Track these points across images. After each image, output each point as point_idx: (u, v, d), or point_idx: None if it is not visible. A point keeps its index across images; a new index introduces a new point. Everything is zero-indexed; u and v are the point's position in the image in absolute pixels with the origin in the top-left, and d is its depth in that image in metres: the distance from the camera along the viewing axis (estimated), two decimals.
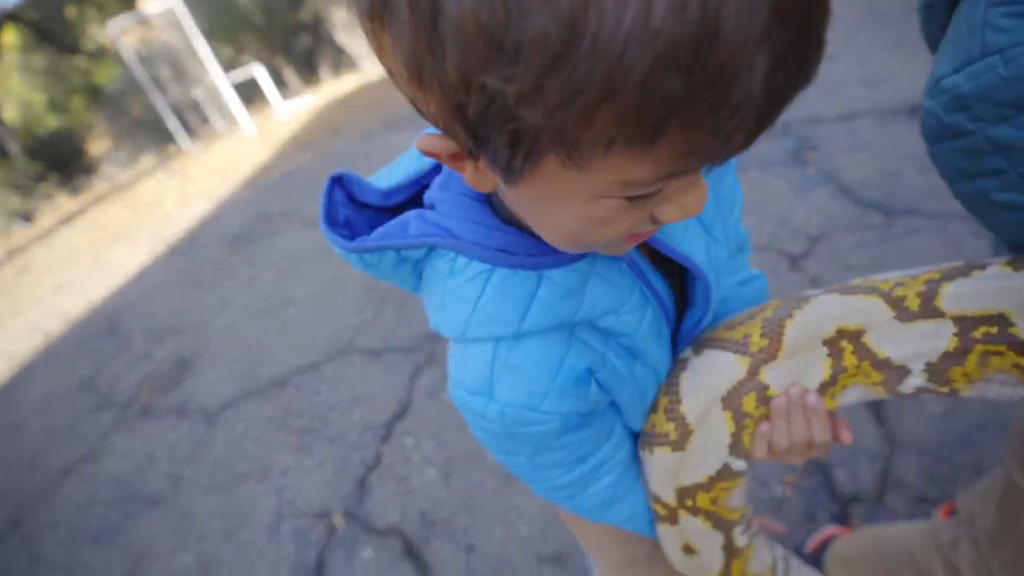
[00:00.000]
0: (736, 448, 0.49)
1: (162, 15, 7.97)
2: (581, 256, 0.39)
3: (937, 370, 0.42)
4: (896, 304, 0.42)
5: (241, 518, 1.71)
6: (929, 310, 0.41)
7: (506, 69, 0.21)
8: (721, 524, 0.54)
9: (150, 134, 9.96)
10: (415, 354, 2.13)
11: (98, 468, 2.22)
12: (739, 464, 0.50)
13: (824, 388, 0.46)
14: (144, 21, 8.64)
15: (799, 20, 0.21)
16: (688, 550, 0.56)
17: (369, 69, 12.84)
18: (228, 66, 9.28)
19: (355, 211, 0.42)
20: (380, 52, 0.27)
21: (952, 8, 0.43)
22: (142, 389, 2.65)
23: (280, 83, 10.73)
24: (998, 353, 0.39)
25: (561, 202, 0.29)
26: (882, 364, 0.43)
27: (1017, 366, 0.39)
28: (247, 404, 2.24)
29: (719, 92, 0.21)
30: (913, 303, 0.42)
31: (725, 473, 0.50)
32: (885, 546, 0.85)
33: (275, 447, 1.95)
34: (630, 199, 0.28)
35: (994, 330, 0.39)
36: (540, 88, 0.21)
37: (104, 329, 3.57)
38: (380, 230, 0.40)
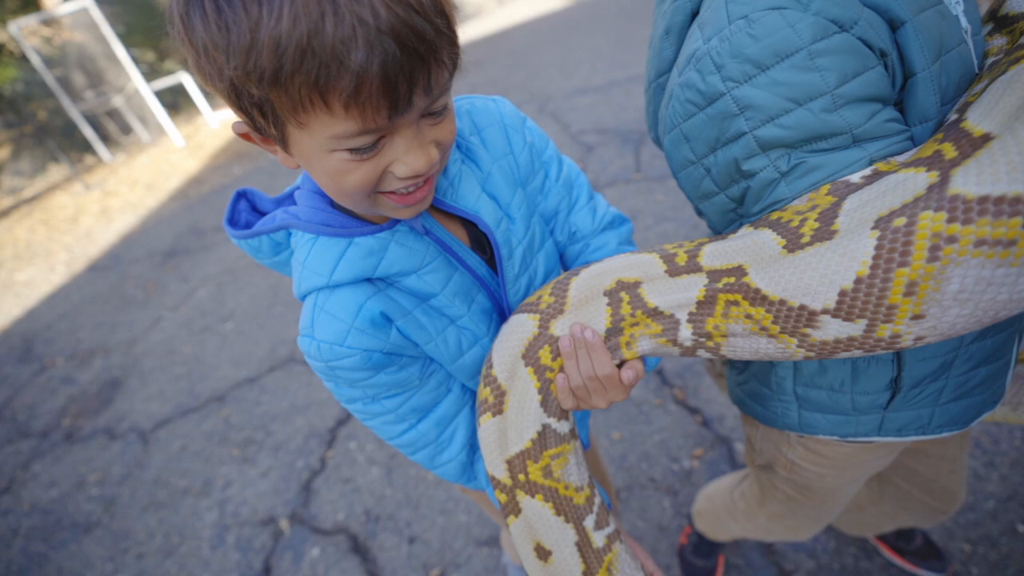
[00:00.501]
0: (549, 406, 0.52)
1: (73, 16, 7.45)
2: (388, 228, 0.50)
3: (697, 321, 0.47)
4: (669, 260, 0.48)
5: (183, 533, 1.70)
6: (692, 266, 0.47)
7: (230, 64, 0.35)
8: (565, 509, 0.53)
9: (60, 143, 9.22)
10: None
11: (17, 500, 2.10)
12: (561, 427, 0.53)
13: (611, 336, 0.50)
14: (52, 21, 8.04)
15: (386, 26, 0.34)
16: (541, 552, 0.53)
17: None
18: (151, 72, 8.79)
19: (257, 217, 0.56)
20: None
21: (689, 24, 0.53)
22: (66, 414, 2.52)
23: (209, 92, 10.25)
24: (735, 302, 0.44)
25: (311, 159, 0.42)
26: (653, 313, 0.48)
27: (749, 316, 0.44)
28: (185, 421, 2.20)
29: (337, 66, 0.34)
30: (682, 259, 0.47)
31: (548, 436, 0.52)
32: (715, 493, 1.07)
33: (216, 461, 1.94)
34: (352, 151, 0.40)
35: (732, 280, 0.44)
36: (247, 72, 0.35)
37: (17, 355, 3.32)
38: (258, 223, 0.53)
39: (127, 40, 7.68)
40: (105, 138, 8.50)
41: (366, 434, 1.83)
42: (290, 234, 0.53)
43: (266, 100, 0.37)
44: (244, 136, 0.44)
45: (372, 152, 0.40)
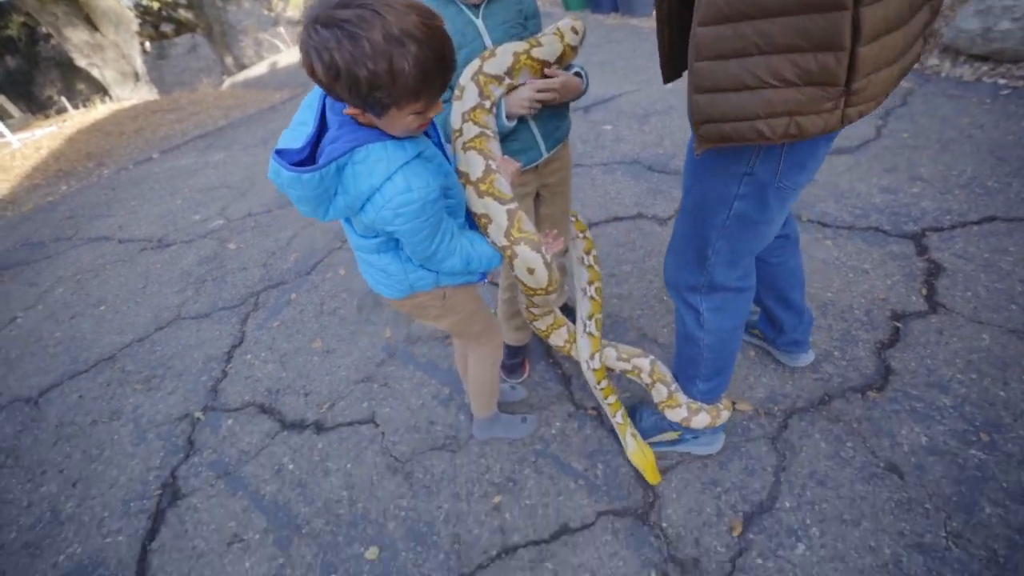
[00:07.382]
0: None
1: None
2: (418, 136, 0.90)
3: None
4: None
5: (101, 446, 2.03)
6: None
7: (370, 85, 0.72)
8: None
9: None
10: (242, 307, 2.64)
11: None
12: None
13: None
14: None
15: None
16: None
17: (123, 95, 11.44)
18: None
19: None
20: (331, 88, 0.76)
21: None
22: None
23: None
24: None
25: (396, 122, 0.81)
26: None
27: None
28: (75, 382, 2.42)
29: (442, 79, 0.78)
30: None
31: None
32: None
33: (120, 397, 2.25)
34: (417, 114, 0.81)
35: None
36: (380, 89, 0.73)
37: None
38: (323, 156, 0.82)
39: None
40: None
41: (258, 348, 2.32)
42: (348, 154, 0.83)
43: (388, 101, 0.74)
44: (354, 114, 0.81)
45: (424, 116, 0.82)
